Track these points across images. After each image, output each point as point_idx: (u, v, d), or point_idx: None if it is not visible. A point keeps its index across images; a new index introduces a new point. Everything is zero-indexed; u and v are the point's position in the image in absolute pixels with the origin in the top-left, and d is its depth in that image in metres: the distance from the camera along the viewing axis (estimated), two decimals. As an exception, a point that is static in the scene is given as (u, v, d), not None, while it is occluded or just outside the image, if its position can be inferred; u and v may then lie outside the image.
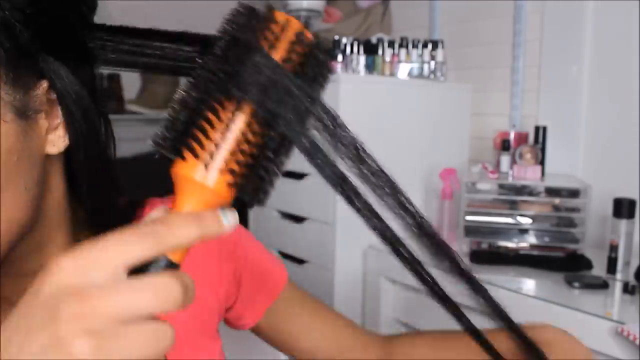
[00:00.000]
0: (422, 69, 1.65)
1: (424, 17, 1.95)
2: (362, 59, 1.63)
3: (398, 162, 1.54)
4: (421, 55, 1.65)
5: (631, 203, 1.22)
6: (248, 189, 0.31)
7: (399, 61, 1.64)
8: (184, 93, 0.31)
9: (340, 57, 1.61)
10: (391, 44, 1.65)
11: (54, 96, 0.40)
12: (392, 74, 1.64)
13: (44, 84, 0.39)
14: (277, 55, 0.31)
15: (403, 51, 1.64)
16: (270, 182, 0.32)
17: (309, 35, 0.32)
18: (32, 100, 0.38)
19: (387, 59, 1.64)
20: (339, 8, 2.03)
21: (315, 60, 0.32)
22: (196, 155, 0.30)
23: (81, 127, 0.41)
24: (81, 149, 0.42)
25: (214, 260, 0.58)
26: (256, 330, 0.66)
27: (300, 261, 1.63)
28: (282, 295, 0.64)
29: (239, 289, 0.61)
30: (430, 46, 1.65)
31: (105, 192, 0.46)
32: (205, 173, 0.30)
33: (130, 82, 2.55)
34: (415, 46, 1.65)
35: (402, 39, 1.65)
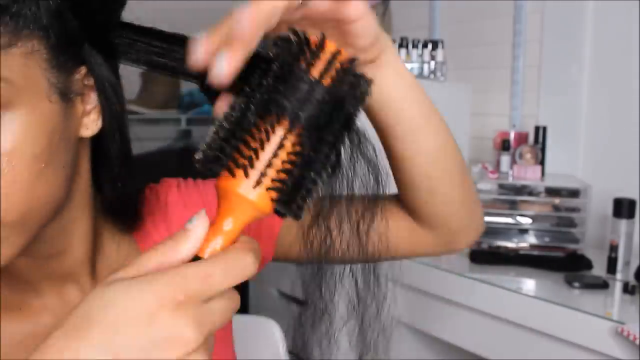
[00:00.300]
0: (422, 69, 1.65)
1: (424, 17, 1.95)
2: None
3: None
4: (421, 55, 1.65)
5: (631, 203, 1.22)
6: (288, 204, 0.33)
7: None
8: (232, 110, 0.32)
9: (340, 57, 1.61)
10: (391, 44, 1.65)
11: (89, 82, 0.43)
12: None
13: (83, 70, 0.42)
14: (320, 76, 0.32)
15: (403, 51, 1.64)
16: (309, 198, 0.33)
17: (345, 56, 0.34)
18: (73, 84, 0.41)
19: (387, 59, 1.64)
20: (339, 8, 2.03)
21: (349, 80, 0.33)
22: (244, 172, 0.32)
23: (115, 111, 0.45)
24: (116, 132, 0.46)
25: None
26: (280, 258, 0.65)
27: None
28: (285, 221, 0.62)
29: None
30: (430, 46, 1.65)
31: (132, 177, 0.50)
32: (251, 188, 0.32)
33: (130, 82, 2.55)
34: (415, 46, 1.65)
35: (402, 39, 1.65)
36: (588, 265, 1.25)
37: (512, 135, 1.55)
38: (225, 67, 0.31)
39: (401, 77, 0.46)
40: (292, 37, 0.33)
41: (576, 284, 1.15)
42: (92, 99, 0.43)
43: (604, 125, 1.51)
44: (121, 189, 0.49)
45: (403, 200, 0.59)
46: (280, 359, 1.03)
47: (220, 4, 0.77)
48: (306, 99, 0.32)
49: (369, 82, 0.34)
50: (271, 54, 0.33)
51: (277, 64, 0.32)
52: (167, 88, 2.61)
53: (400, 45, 1.65)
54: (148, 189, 0.59)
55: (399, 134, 0.49)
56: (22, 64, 0.36)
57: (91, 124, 0.44)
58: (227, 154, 0.32)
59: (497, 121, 1.75)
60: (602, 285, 1.14)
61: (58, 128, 0.40)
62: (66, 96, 0.40)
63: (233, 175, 0.32)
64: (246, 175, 0.32)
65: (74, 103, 0.41)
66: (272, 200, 0.32)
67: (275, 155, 0.32)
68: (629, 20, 1.44)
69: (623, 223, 1.22)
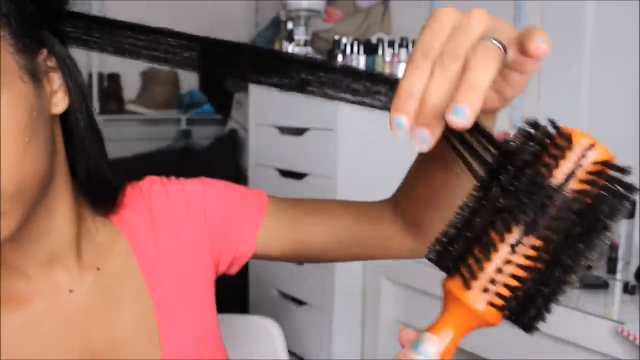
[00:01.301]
0: (422, 69, 1.65)
1: (424, 17, 1.94)
2: (362, 59, 1.63)
3: (398, 162, 1.53)
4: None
5: (631, 203, 1.22)
6: (519, 314, 0.30)
7: (399, 61, 1.64)
8: (467, 210, 0.30)
9: (340, 57, 1.61)
10: (391, 44, 1.65)
11: (52, 63, 0.47)
12: (392, 74, 1.64)
13: (44, 52, 0.46)
14: (571, 184, 0.28)
15: (403, 51, 1.64)
16: (544, 310, 0.30)
17: (612, 169, 0.29)
18: (38, 65, 0.45)
19: (387, 59, 1.64)
20: (339, 8, 2.03)
21: (608, 197, 0.28)
22: (473, 278, 0.29)
23: (80, 88, 0.50)
24: (81, 107, 0.50)
25: (192, 234, 0.61)
26: (261, 255, 0.65)
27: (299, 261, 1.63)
28: (267, 215, 0.64)
29: (224, 234, 0.63)
30: (430, 46, 1.65)
31: (99, 152, 0.53)
32: (480, 297, 0.29)
33: (130, 82, 2.55)
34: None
35: (402, 39, 1.65)
36: (588, 265, 1.25)
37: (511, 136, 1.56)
38: (426, 145, 0.30)
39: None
40: (529, 128, 0.29)
41: (576, 284, 1.15)
42: (56, 79, 0.48)
43: (604, 125, 1.51)
44: (92, 164, 0.53)
45: (411, 210, 0.60)
46: (281, 359, 1.03)
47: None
48: (544, 206, 0.28)
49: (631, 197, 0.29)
50: (509, 152, 0.29)
51: (514, 164, 0.28)
52: (167, 88, 2.61)
53: (400, 45, 1.65)
54: (130, 185, 0.61)
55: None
56: None
57: (60, 102, 0.48)
58: (455, 255, 0.30)
59: (497, 121, 1.75)
60: (602, 285, 1.14)
61: (34, 105, 0.44)
62: (35, 76, 0.45)
63: (467, 286, 0.29)
64: (473, 279, 0.29)
65: (42, 83, 0.46)
66: (499, 309, 0.29)
67: (506, 262, 0.29)
68: (629, 20, 1.44)
69: (623, 223, 1.22)
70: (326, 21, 1.97)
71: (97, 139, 0.53)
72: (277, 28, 2.14)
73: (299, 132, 1.61)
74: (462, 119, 0.28)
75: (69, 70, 0.49)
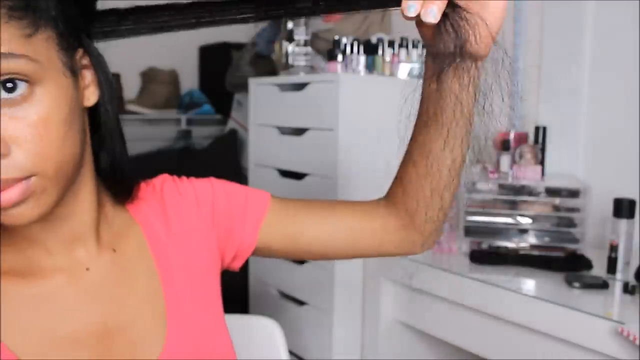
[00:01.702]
0: (422, 69, 1.65)
1: (424, 17, 1.95)
2: (362, 59, 1.63)
3: (398, 162, 1.53)
4: (421, 55, 1.65)
5: (631, 203, 1.22)
6: None
7: (399, 61, 1.64)
8: None
9: (340, 57, 1.61)
10: (391, 44, 1.65)
11: (85, 61, 0.53)
12: (392, 74, 1.64)
13: (80, 51, 0.52)
14: None
15: (403, 51, 1.64)
16: None
17: None
18: (75, 62, 0.51)
19: (387, 59, 1.64)
20: (339, 8, 2.02)
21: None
22: None
23: (109, 83, 0.55)
24: (110, 101, 0.56)
25: (200, 226, 0.67)
26: (262, 250, 0.70)
27: (300, 261, 1.63)
28: (269, 211, 0.69)
29: (229, 228, 0.68)
30: (430, 46, 1.65)
31: (122, 145, 0.59)
32: None
33: (130, 82, 2.55)
34: (415, 46, 1.65)
35: (402, 39, 1.65)
36: (588, 265, 1.25)
37: (512, 135, 1.55)
38: (434, 17, 0.48)
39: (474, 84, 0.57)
40: None
41: (576, 284, 1.15)
42: (88, 75, 0.53)
43: (604, 125, 1.51)
44: (117, 156, 0.59)
45: (403, 197, 0.68)
46: (281, 359, 1.03)
47: None
48: None
49: None
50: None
51: None
52: (167, 88, 2.61)
53: (400, 45, 1.65)
54: (144, 182, 0.67)
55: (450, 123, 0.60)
56: (44, 47, 0.46)
57: (91, 96, 0.53)
58: None
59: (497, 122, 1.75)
60: (602, 285, 1.14)
61: (73, 97, 0.50)
62: (74, 72, 0.50)
63: None
64: None
65: (78, 78, 0.51)
66: None
67: None
68: (629, 20, 1.44)
69: (623, 223, 1.22)
70: (326, 21, 1.96)
71: (120, 133, 0.59)
72: (277, 28, 2.14)
73: (299, 132, 1.61)
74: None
75: (100, 66, 0.54)
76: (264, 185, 1.76)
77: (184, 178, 0.69)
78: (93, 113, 0.56)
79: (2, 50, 0.43)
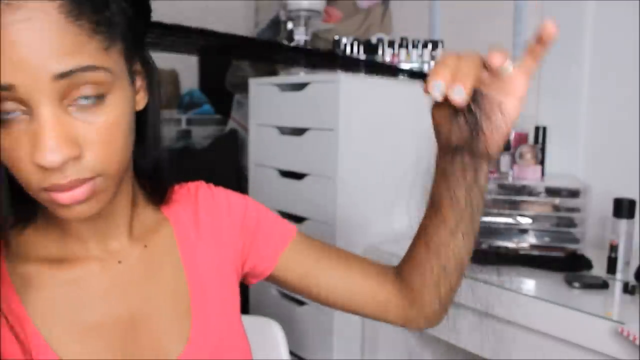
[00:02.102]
0: (422, 69, 1.65)
1: (424, 17, 1.95)
2: (362, 59, 1.63)
3: (398, 161, 1.53)
4: (421, 55, 1.65)
5: (631, 203, 1.22)
6: None
7: (399, 61, 1.64)
8: None
9: (340, 57, 1.61)
10: (391, 44, 1.65)
11: (139, 68, 0.55)
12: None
13: (138, 61, 0.54)
14: None
15: (403, 51, 1.64)
16: None
17: None
18: (134, 71, 0.54)
19: (387, 59, 1.64)
20: (339, 8, 2.03)
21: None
22: None
23: (157, 90, 0.59)
24: (157, 107, 0.60)
25: (229, 232, 0.70)
26: (275, 277, 0.73)
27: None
28: (294, 242, 0.73)
29: (253, 243, 0.72)
30: (430, 46, 1.65)
31: (164, 149, 0.63)
32: None
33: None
34: (415, 46, 1.65)
35: (402, 39, 1.65)
36: (588, 265, 1.25)
37: (512, 136, 1.55)
38: (463, 96, 0.51)
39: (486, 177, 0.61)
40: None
41: (576, 284, 1.15)
42: (139, 81, 0.56)
43: (604, 125, 1.51)
44: (160, 158, 0.62)
45: (410, 273, 0.70)
46: (281, 359, 1.03)
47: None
48: None
49: None
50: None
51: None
52: (167, 88, 2.61)
53: (400, 45, 1.65)
54: (178, 185, 0.70)
55: (459, 213, 0.63)
56: (117, 59, 0.49)
57: (141, 101, 0.56)
58: None
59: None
60: (602, 285, 1.14)
61: (133, 104, 0.53)
62: (133, 81, 0.53)
63: None
64: None
65: (134, 85, 0.54)
66: None
67: None
68: (629, 20, 1.44)
69: (623, 223, 1.22)
70: (326, 21, 1.97)
71: (162, 137, 0.62)
72: (277, 28, 2.14)
73: (299, 132, 1.61)
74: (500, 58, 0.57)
75: (153, 74, 0.58)
76: (264, 185, 1.76)
77: (220, 187, 0.73)
78: (139, 114, 0.58)
79: (88, 63, 0.45)
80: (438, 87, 0.50)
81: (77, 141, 0.47)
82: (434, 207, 0.65)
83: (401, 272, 0.72)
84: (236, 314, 0.68)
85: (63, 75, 0.44)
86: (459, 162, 0.58)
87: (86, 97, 0.47)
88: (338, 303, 0.73)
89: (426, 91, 0.51)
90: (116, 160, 0.50)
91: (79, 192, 0.48)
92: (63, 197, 0.48)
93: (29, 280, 0.56)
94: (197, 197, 0.70)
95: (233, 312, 0.68)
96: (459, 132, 0.55)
